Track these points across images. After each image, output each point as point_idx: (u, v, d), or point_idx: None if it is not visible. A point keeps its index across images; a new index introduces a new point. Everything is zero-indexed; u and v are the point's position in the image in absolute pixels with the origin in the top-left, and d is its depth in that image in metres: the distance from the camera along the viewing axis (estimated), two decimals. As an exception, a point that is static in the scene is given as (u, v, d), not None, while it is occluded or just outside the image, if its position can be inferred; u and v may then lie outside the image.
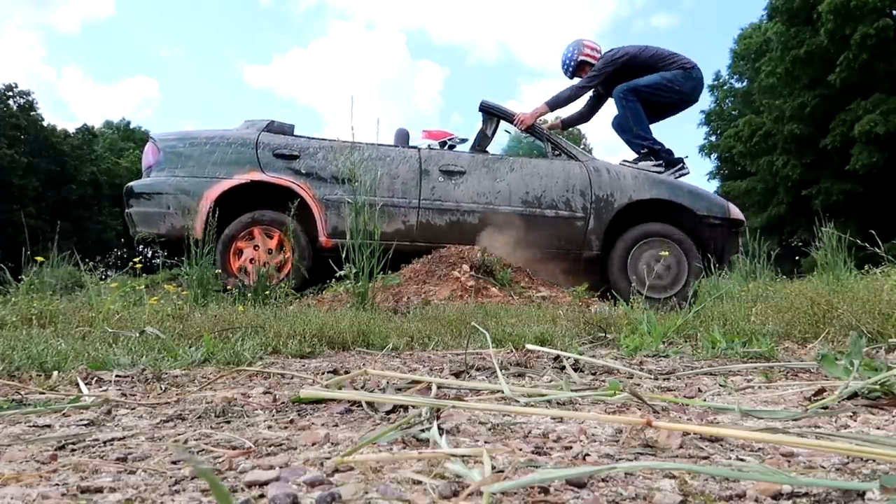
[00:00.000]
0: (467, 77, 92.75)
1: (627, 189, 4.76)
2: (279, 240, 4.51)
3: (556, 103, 5.08)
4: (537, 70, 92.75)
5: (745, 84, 31.10)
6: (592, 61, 5.14)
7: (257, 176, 4.51)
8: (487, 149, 5.15)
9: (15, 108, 34.03)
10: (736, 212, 4.92)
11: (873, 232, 3.10)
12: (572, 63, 5.21)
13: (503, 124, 5.21)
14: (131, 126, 47.60)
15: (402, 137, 5.34)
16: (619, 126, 5.11)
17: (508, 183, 4.75)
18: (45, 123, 35.81)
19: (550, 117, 5.49)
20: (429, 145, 5.21)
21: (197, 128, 6.44)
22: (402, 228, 4.66)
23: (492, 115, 5.15)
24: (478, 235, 4.68)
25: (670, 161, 5.04)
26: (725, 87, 33.12)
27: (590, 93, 5.30)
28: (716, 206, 4.86)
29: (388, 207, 4.60)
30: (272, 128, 4.75)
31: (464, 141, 5.52)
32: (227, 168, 4.52)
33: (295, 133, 4.82)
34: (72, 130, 39.14)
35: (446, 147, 5.25)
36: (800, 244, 5.88)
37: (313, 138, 4.78)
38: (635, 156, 5.08)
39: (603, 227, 4.73)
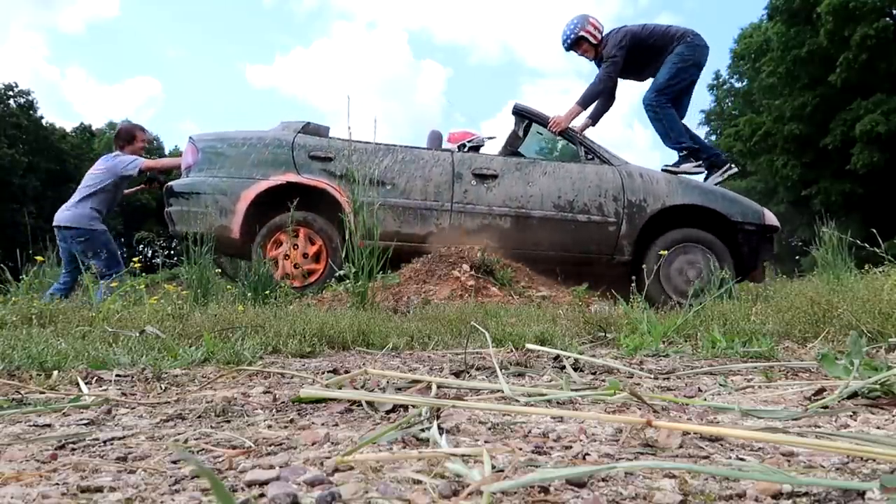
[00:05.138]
0: (469, 77, 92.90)
1: (660, 194, 4.72)
2: (319, 247, 4.55)
3: (586, 100, 5.03)
4: (539, 70, 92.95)
5: (745, 84, 31.08)
6: (591, 39, 5.11)
7: (293, 177, 4.53)
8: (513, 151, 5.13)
9: (15, 107, 34.00)
10: (771, 217, 4.86)
11: (874, 230, 3.10)
12: (573, 36, 5.15)
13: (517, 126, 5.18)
14: (132, 126, 47.52)
15: (436, 140, 5.30)
16: (661, 136, 5.05)
17: (541, 187, 4.72)
18: (45, 122, 35.78)
19: (582, 117, 5.43)
20: (459, 146, 5.18)
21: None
22: (435, 231, 4.66)
23: (524, 118, 5.11)
24: (509, 239, 4.67)
25: (716, 162, 5.00)
26: (725, 87, 33.10)
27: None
28: (751, 211, 4.80)
29: (421, 210, 4.62)
30: (308, 129, 4.76)
31: (492, 139, 5.46)
32: (264, 169, 4.54)
33: (330, 135, 4.82)
34: (69, 129, 39.12)
35: (466, 149, 5.20)
36: (800, 244, 5.87)
37: (348, 140, 4.80)
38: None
39: (635, 233, 4.68)
